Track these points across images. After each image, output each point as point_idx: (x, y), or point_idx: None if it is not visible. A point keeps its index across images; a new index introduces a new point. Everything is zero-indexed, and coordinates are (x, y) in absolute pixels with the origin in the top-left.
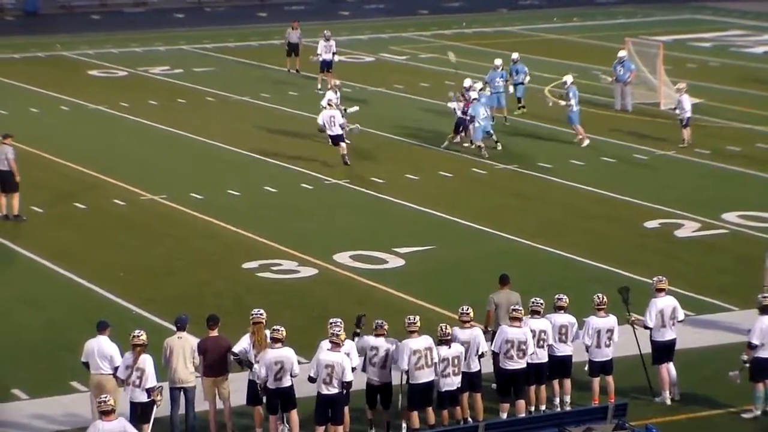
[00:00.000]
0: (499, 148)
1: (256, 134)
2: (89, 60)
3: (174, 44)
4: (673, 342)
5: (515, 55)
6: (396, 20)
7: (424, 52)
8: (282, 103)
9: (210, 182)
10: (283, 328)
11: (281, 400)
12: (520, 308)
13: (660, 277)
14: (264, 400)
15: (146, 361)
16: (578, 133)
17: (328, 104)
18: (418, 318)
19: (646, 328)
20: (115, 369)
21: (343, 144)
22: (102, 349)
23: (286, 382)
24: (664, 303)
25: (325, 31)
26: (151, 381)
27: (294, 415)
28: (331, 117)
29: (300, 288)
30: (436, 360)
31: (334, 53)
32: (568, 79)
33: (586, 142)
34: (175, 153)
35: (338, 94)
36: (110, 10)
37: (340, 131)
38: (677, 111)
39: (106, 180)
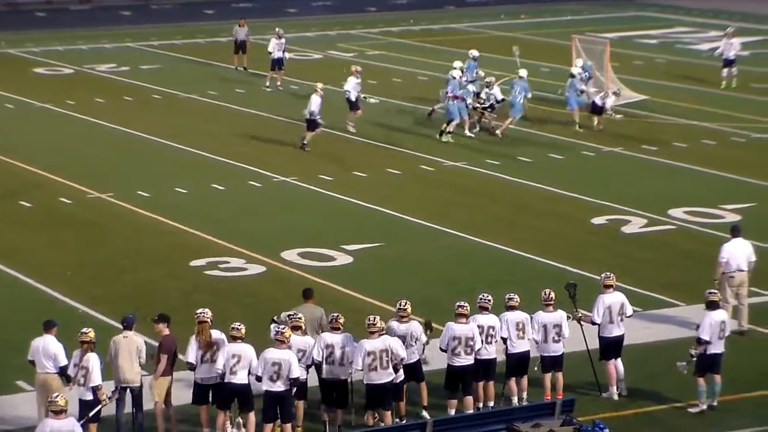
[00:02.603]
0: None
1: (204, 132)
2: (35, 57)
3: (120, 42)
4: (620, 338)
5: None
6: (343, 17)
7: (372, 50)
8: (229, 100)
9: (157, 180)
10: (243, 327)
11: (237, 398)
12: (466, 304)
13: (608, 273)
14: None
15: (90, 359)
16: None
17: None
18: (378, 318)
19: (594, 324)
20: (60, 368)
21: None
22: (47, 348)
23: (242, 377)
24: (612, 299)
25: (277, 29)
26: (95, 380)
27: (251, 417)
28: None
29: (248, 285)
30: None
31: (284, 51)
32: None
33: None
34: (121, 151)
35: (359, 79)
36: (55, 8)
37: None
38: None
39: (51, 178)
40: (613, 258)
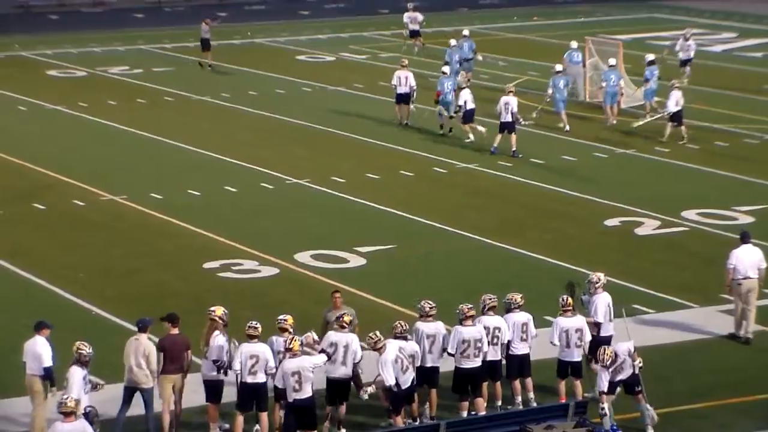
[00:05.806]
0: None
1: (216, 134)
2: (47, 60)
3: (133, 44)
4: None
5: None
6: (356, 19)
7: (384, 52)
8: (241, 102)
9: (170, 182)
10: (259, 325)
11: (255, 397)
12: (471, 306)
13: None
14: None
15: (71, 372)
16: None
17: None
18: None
19: (597, 324)
20: (44, 370)
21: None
22: (33, 349)
23: (261, 377)
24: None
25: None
26: (74, 393)
27: (264, 417)
28: (506, 103)
29: (261, 288)
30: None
31: (420, 23)
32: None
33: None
34: (134, 153)
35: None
36: (68, 10)
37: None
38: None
39: (64, 180)
40: (626, 260)
